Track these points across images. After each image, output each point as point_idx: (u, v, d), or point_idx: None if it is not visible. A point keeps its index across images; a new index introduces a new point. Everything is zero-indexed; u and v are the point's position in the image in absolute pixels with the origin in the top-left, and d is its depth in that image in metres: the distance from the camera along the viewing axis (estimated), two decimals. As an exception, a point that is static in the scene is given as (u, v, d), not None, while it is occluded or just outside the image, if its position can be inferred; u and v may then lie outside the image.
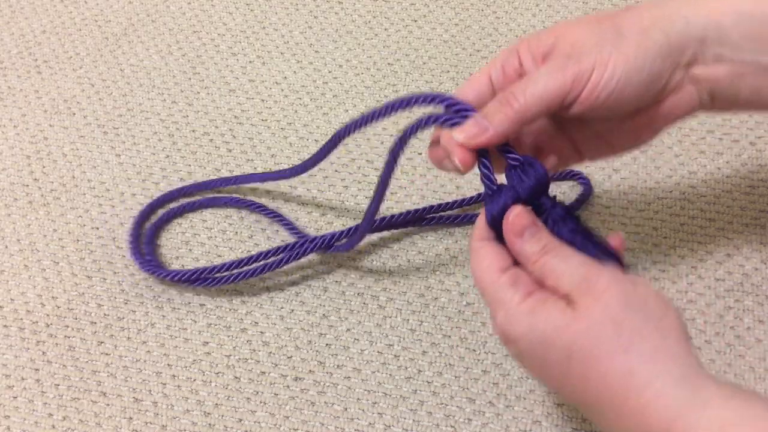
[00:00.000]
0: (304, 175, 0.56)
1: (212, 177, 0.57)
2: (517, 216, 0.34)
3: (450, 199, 0.52)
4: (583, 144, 0.40)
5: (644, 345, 0.30)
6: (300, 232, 0.52)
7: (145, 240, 0.53)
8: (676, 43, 0.34)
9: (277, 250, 0.49)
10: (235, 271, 0.49)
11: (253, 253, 0.51)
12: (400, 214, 0.50)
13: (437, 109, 0.37)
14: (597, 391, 0.31)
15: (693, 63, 0.35)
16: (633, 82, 0.34)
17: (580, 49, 0.34)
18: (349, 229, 0.49)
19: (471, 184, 0.54)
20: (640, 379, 0.30)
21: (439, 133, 0.37)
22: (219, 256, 0.53)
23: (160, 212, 0.55)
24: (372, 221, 0.45)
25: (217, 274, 0.49)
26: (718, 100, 0.36)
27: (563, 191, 0.53)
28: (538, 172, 0.35)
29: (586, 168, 0.53)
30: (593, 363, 0.31)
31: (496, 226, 0.35)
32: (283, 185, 0.55)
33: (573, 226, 0.35)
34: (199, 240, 0.54)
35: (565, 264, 0.33)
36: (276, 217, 0.53)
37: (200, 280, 0.50)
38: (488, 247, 0.35)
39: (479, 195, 0.52)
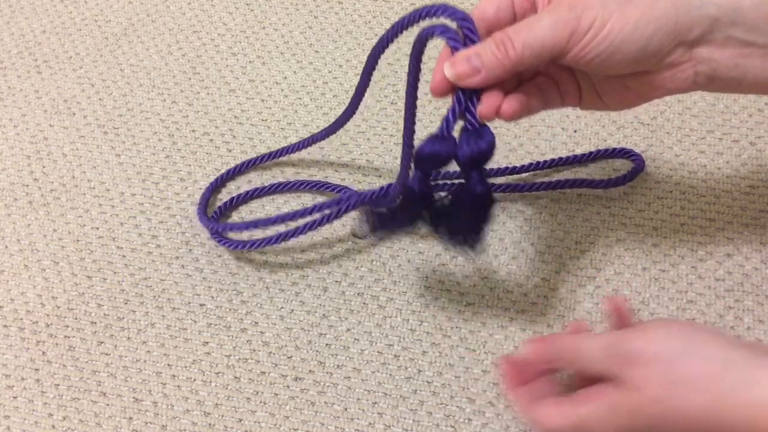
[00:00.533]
0: (303, 174, 0.56)
1: (212, 177, 0.56)
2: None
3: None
4: (581, 82, 0.39)
5: (729, 352, 0.31)
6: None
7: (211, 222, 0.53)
8: (684, 20, 0.33)
9: (321, 206, 0.48)
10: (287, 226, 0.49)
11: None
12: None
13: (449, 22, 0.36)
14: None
15: (698, 43, 0.34)
16: (624, 50, 0.33)
17: (586, 3, 0.33)
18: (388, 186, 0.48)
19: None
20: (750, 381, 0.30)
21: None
22: (219, 256, 0.53)
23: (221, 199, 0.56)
24: (355, 108, 0.45)
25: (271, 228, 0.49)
26: (718, 82, 0.35)
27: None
28: (481, 147, 0.35)
29: (587, 168, 0.53)
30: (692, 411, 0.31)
31: (421, 162, 0.36)
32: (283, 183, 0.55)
33: (477, 205, 0.36)
34: (199, 240, 0.54)
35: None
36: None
37: (256, 243, 0.51)
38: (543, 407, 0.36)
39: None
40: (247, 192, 0.55)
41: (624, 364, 0.33)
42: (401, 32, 0.37)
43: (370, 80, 0.45)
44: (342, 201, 0.47)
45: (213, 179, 0.56)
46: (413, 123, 0.42)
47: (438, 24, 0.35)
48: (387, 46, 0.39)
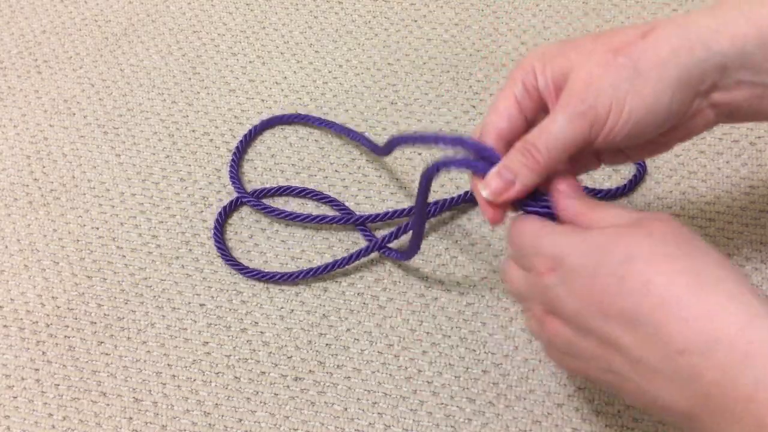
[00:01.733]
0: (304, 174, 0.56)
1: (212, 177, 0.57)
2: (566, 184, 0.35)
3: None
4: (601, 155, 0.39)
5: (715, 256, 0.30)
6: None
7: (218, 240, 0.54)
8: (695, 74, 0.33)
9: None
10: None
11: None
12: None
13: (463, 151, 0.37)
14: (660, 297, 0.29)
15: (713, 90, 0.34)
16: (650, 122, 0.33)
17: (596, 91, 0.33)
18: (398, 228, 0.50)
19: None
20: (713, 278, 0.29)
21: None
22: (219, 256, 0.53)
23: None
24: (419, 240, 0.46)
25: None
26: (736, 118, 0.36)
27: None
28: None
29: (586, 168, 0.53)
30: (660, 264, 0.29)
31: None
32: (282, 185, 0.55)
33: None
34: (199, 240, 0.54)
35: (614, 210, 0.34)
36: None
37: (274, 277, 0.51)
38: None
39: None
40: (272, 189, 0.55)
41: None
42: (437, 174, 0.38)
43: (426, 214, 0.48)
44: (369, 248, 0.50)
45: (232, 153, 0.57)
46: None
47: (444, 159, 0.36)
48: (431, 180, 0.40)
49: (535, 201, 0.35)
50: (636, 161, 0.40)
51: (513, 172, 0.34)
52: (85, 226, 0.55)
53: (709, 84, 0.34)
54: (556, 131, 0.33)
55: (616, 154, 0.39)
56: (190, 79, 0.63)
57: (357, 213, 0.53)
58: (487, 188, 0.35)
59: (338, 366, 0.48)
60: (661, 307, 0.29)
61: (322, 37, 0.64)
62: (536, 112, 0.36)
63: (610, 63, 0.33)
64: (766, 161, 0.53)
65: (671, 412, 0.30)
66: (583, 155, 0.38)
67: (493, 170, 0.35)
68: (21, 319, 0.52)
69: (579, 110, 0.33)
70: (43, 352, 0.50)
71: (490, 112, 0.36)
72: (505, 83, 0.36)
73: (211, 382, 0.48)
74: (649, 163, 0.53)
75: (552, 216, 0.35)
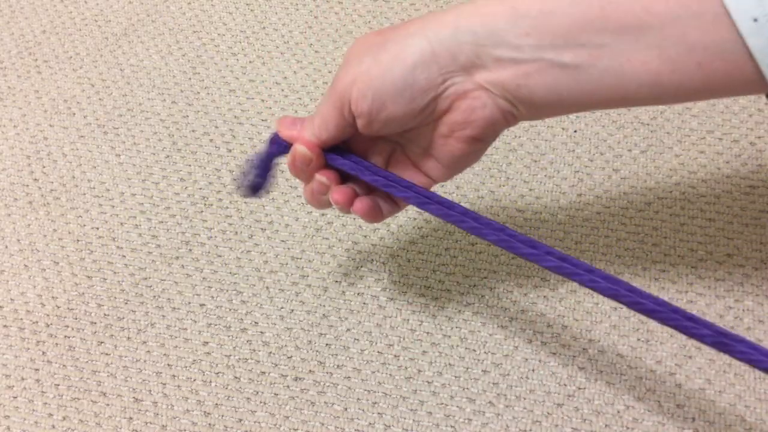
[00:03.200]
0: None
1: (212, 177, 0.57)
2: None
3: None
4: (417, 160, 0.39)
5: None
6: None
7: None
8: (441, 50, 0.33)
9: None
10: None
11: (253, 251, 0.50)
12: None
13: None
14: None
15: (473, 69, 0.33)
16: (390, 92, 0.34)
17: (345, 66, 0.35)
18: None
19: (470, 184, 0.54)
20: None
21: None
22: (219, 256, 0.53)
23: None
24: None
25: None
26: (519, 105, 0.34)
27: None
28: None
29: (586, 167, 0.54)
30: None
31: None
32: (282, 185, 0.55)
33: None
34: (199, 240, 0.54)
35: None
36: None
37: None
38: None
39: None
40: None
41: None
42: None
43: None
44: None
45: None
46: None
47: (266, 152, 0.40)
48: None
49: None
50: (451, 170, 0.39)
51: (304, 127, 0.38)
52: (85, 226, 0.55)
53: (463, 61, 0.33)
54: (320, 107, 0.37)
55: (426, 160, 0.39)
56: (190, 79, 0.63)
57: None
58: (279, 125, 0.39)
59: (338, 366, 0.47)
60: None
61: (322, 37, 0.64)
62: None
63: (370, 40, 0.35)
64: (766, 161, 0.53)
65: None
66: (399, 159, 0.40)
67: (288, 118, 0.39)
68: (21, 319, 0.52)
69: (329, 89, 0.36)
70: (43, 352, 0.50)
71: (320, 120, 0.39)
72: None
73: (211, 382, 0.48)
74: (649, 163, 0.53)
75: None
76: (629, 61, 0.31)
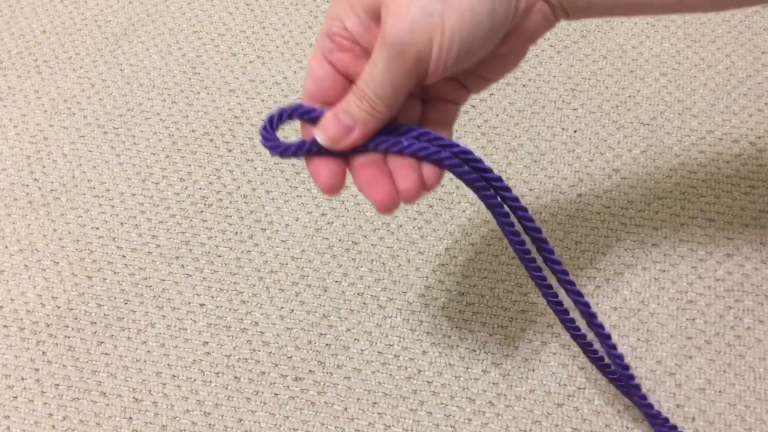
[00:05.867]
0: (303, 174, 0.56)
1: (212, 177, 0.56)
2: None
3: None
4: (463, 80, 0.36)
5: None
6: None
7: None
8: None
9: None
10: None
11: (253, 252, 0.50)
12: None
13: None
14: None
15: None
16: (477, 36, 0.30)
17: (410, 24, 0.29)
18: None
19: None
20: None
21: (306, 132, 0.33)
22: (219, 256, 0.53)
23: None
24: None
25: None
26: (572, 11, 0.33)
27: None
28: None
29: (586, 167, 0.54)
30: None
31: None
32: (282, 185, 0.55)
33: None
34: (199, 240, 0.54)
35: None
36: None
37: None
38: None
39: None
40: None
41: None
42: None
43: None
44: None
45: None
46: None
47: (279, 109, 0.33)
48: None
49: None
50: (497, 78, 0.36)
51: (352, 116, 0.31)
52: (85, 226, 0.55)
53: None
54: (380, 76, 0.30)
55: (474, 78, 0.36)
56: (190, 79, 0.63)
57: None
58: (324, 133, 0.31)
59: (338, 366, 0.48)
60: None
61: (322, 37, 0.64)
62: (360, 57, 0.33)
63: None
64: (766, 161, 0.53)
65: None
66: (443, 85, 0.35)
67: (329, 114, 0.31)
68: (21, 319, 0.52)
69: (396, 51, 0.29)
70: (43, 352, 0.50)
71: (306, 75, 0.33)
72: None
73: (211, 382, 0.48)
74: (649, 163, 0.53)
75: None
76: None
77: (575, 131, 0.56)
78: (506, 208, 0.36)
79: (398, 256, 0.51)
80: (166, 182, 0.57)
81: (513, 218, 0.36)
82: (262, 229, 0.54)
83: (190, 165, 0.58)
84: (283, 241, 0.53)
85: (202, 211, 0.55)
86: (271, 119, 0.32)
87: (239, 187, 0.56)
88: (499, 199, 0.35)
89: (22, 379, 0.49)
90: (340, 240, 0.53)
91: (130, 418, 0.47)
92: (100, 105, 0.62)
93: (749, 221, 0.50)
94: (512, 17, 0.31)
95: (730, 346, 0.45)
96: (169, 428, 0.46)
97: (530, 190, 0.53)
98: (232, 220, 0.54)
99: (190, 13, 0.68)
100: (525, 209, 0.36)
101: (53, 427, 0.47)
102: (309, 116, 0.32)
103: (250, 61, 0.64)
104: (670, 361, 0.45)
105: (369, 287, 0.50)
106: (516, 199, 0.35)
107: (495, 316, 0.48)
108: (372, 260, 0.51)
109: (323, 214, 0.54)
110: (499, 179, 0.35)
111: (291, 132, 0.57)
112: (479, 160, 0.34)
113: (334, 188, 0.33)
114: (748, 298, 0.47)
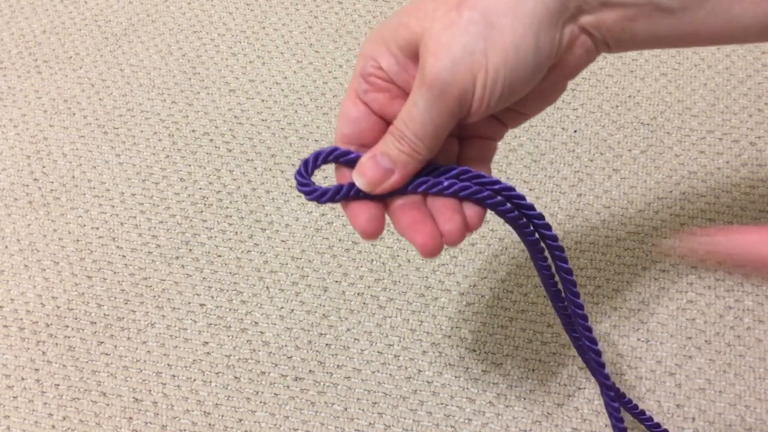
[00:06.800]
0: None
1: (212, 177, 0.56)
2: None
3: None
4: (501, 117, 0.36)
5: None
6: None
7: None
8: (554, 4, 0.29)
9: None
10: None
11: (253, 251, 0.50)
12: None
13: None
14: None
15: (579, 14, 0.30)
16: (521, 73, 0.29)
17: (450, 63, 0.28)
18: None
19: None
20: None
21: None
22: (219, 256, 0.53)
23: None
24: None
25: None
26: (614, 45, 0.32)
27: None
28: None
29: (586, 167, 0.54)
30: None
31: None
32: (282, 185, 0.55)
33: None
34: (199, 240, 0.54)
35: None
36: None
37: None
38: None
39: None
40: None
41: None
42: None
43: None
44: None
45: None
46: None
47: (315, 153, 0.31)
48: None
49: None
50: (535, 113, 0.36)
51: (391, 159, 0.30)
52: (85, 226, 0.55)
53: (573, 9, 0.30)
54: (420, 117, 0.29)
55: (513, 115, 0.35)
56: (190, 79, 0.63)
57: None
58: (362, 177, 0.30)
59: (338, 366, 0.47)
60: None
61: (322, 37, 0.64)
62: (397, 97, 0.32)
63: (456, 22, 0.28)
64: (766, 161, 0.53)
65: None
66: (480, 122, 0.33)
67: (366, 157, 0.30)
68: (21, 319, 0.52)
69: (437, 91, 0.29)
70: (43, 352, 0.50)
71: (338, 117, 0.32)
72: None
73: (211, 382, 0.48)
74: (649, 163, 0.53)
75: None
76: (740, 2, 0.29)
77: (575, 131, 0.56)
78: (542, 244, 0.35)
79: (398, 256, 0.51)
80: (166, 182, 0.57)
81: (547, 253, 0.35)
82: (262, 229, 0.54)
83: (190, 165, 0.58)
84: (283, 241, 0.53)
85: (202, 211, 0.55)
86: (306, 163, 0.31)
87: (239, 187, 0.56)
88: (537, 236, 0.34)
89: (22, 379, 0.49)
90: (340, 240, 0.53)
91: (130, 418, 0.47)
92: (100, 105, 0.62)
93: (749, 221, 0.50)
94: (556, 52, 0.31)
95: (730, 346, 0.45)
96: (169, 428, 0.46)
97: (530, 190, 0.53)
98: (232, 220, 0.54)
99: (190, 13, 0.68)
100: (562, 249, 0.35)
101: (53, 427, 0.47)
102: (345, 159, 0.31)
103: (250, 61, 0.64)
104: (670, 361, 0.45)
105: (369, 287, 0.50)
106: (555, 238, 0.34)
107: (495, 316, 0.48)
108: (372, 260, 0.51)
109: (323, 214, 0.54)
110: (541, 217, 0.34)
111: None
112: (521, 197, 0.33)
113: (374, 233, 0.32)
114: (748, 298, 0.47)
